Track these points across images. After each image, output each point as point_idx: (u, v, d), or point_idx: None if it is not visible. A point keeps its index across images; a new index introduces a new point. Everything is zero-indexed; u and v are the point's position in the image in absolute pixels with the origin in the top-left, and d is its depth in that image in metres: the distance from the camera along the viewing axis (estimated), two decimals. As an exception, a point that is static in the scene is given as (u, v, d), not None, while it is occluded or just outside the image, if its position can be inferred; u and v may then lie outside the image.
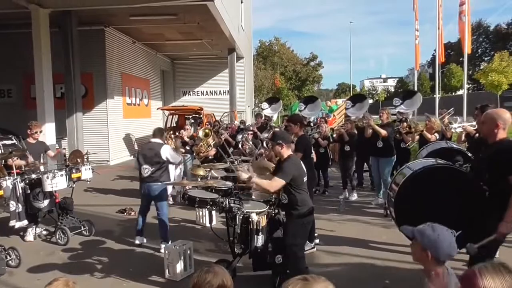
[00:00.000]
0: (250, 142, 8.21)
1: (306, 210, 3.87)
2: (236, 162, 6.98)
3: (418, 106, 8.49)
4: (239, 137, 8.72)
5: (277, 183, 3.71)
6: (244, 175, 3.82)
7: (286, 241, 3.94)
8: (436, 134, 7.19)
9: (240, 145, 8.47)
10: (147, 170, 5.46)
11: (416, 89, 21.90)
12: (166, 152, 5.50)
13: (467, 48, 12.89)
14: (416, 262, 2.21)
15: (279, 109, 12.93)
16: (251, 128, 9.70)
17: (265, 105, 12.62)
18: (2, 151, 7.65)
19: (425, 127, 7.44)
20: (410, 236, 2.16)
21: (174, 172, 8.42)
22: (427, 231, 2.10)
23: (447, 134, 7.74)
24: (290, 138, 4.20)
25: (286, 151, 3.94)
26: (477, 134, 5.84)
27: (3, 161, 5.92)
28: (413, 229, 2.17)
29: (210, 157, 8.41)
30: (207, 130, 8.69)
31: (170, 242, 5.34)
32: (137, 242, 5.72)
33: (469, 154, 5.35)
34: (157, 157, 5.43)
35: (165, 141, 5.84)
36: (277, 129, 7.51)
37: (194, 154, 8.96)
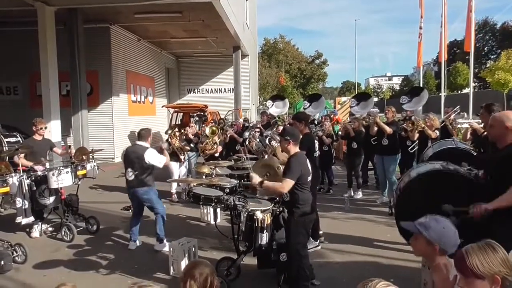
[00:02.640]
0: (257, 140, 8.17)
1: (307, 208, 3.87)
2: (242, 159, 6.99)
3: (424, 103, 8.41)
4: (246, 134, 8.68)
5: (288, 183, 3.72)
6: (256, 180, 3.83)
7: (289, 240, 3.94)
8: (437, 131, 7.33)
9: (247, 142, 8.44)
10: (131, 174, 5.34)
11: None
12: (150, 157, 5.31)
13: (471, 46, 12.74)
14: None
15: (286, 107, 12.18)
16: (258, 126, 9.61)
17: (269, 103, 12.02)
18: (7, 148, 7.71)
19: (425, 125, 7.46)
20: (413, 231, 2.07)
21: (178, 170, 8.46)
22: (431, 223, 2.01)
23: (453, 133, 7.69)
24: (299, 135, 4.17)
25: (293, 148, 3.93)
26: (485, 133, 5.74)
27: (7, 157, 5.97)
28: (415, 223, 2.07)
29: (216, 155, 8.40)
30: (214, 128, 8.64)
31: (165, 242, 5.32)
32: (130, 247, 5.57)
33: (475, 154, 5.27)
34: (141, 162, 5.29)
35: (150, 143, 5.58)
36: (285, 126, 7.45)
37: (199, 151, 8.97)
